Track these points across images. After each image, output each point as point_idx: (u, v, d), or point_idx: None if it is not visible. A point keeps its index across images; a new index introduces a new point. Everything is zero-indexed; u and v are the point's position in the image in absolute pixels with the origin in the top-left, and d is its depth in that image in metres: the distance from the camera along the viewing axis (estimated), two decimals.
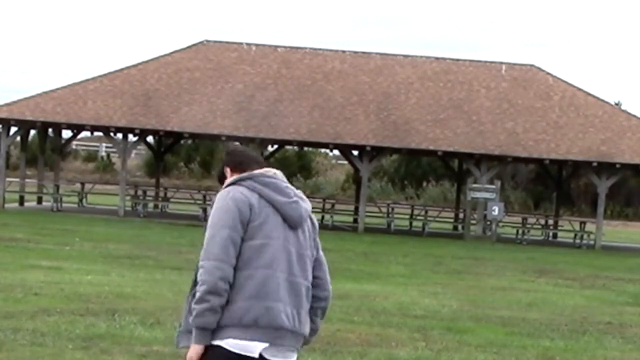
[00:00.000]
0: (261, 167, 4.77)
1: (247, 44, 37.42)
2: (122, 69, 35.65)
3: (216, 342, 4.55)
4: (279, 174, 4.79)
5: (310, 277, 4.72)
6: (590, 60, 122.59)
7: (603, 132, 34.10)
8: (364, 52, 37.56)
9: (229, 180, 4.73)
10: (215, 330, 4.54)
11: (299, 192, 4.82)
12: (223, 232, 4.59)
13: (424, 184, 56.20)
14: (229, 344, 4.53)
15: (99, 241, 22.81)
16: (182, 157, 59.40)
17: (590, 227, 34.74)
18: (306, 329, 4.69)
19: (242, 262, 4.60)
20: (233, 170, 4.79)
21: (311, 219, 4.84)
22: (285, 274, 4.61)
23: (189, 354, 4.59)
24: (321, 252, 4.84)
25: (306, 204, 4.80)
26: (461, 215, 37.82)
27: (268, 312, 4.53)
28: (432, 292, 17.10)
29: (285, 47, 37.53)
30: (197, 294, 4.59)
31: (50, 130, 37.34)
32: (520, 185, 55.40)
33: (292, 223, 4.68)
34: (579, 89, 36.36)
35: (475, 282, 19.47)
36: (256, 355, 4.53)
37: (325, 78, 35.81)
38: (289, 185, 4.77)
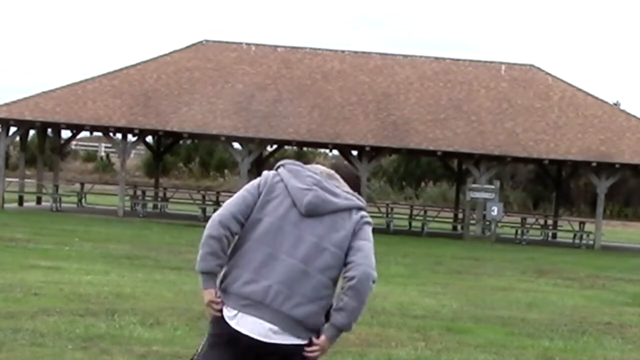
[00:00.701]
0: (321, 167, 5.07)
1: (247, 44, 37.42)
2: (121, 69, 35.64)
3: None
4: (321, 168, 5.00)
5: (320, 266, 4.75)
6: (590, 60, 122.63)
7: (602, 132, 34.11)
8: (363, 52, 37.57)
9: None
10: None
11: (337, 189, 4.91)
12: (238, 193, 4.95)
13: (423, 184, 56.20)
14: (224, 307, 4.86)
15: (98, 241, 22.80)
16: (181, 157, 59.37)
17: (589, 227, 34.74)
18: (295, 311, 4.70)
19: (242, 232, 4.87)
20: None
21: (351, 216, 4.86)
22: (274, 251, 4.75)
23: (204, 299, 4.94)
24: (361, 242, 4.83)
25: (334, 198, 4.86)
26: (460, 216, 37.82)
27: (237, 280, 4.77)
28: (432, 292, 17.10)
29: (285, 47, 37.53)
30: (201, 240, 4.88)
31: (49, 130, 37.32)
32: (520, 185, 55.40)
33: (300, 208, 4.79)
34: (579, 89, 36.37)
35: (475, 282, 19.47)
36: (229, 322, 4.79)
37: (325, 78, 35.81)
38: (314, 175, 4.91)
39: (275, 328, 4.74)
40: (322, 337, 4.84)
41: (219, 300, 4.92)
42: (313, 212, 4.81)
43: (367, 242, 4.85)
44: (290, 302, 4.73)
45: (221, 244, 4.91)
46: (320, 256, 4.76)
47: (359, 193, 5.15)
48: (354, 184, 5.15)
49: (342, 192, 4.93)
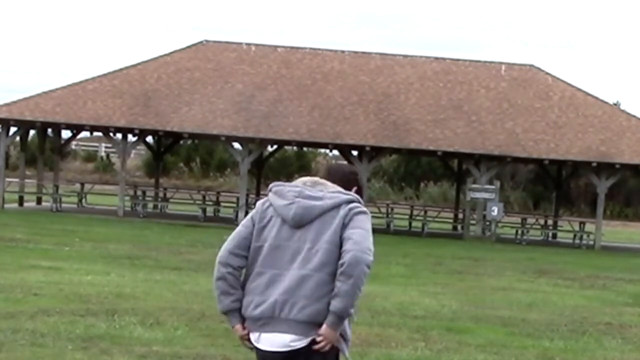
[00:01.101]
0: (330, 180, 5.30)
1: (247, 44, 37.42)
2: (121, 69, 35.64)
3: None
4: (306, 180, 5.27)
5: (318, 265, 4.99)
6: (590, 60, 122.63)
7: (602, 132, 34.11)
8: (363, 52, 37.56)
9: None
10: None
11: (317, 192, 5.15)
12: (235, 230, 5.24)
13: (424, 184, 56.19)
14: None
15: (98, 241, 22.80)
16: (181, 157, 59.38)
17: (589, 227, 34.73)
18: (301, 314, 4.98)
19: (249, 263, 5.16)
20: None
21: (339, 212, 5.06)
22: (276, 270, 5.06)
23: None
24: (350, 231, 5.01)
25: (317, 202, 5.09)
26: (460, 216, 37.82)
27: (250, 305, 5.09)
28: (432, 292, 17.10)
29: (285, 47, 37.53)
30: None
31: (49, 130, 37.33)
32: (520, 185, 55.39)
33: (290, 223, 5.09)
34: (579, 89, 36.37)
35: (475, 282, 19.47)
36: (256, 345, 5.10)
37: (325, 78, 35.81)
38: (295, 188, 5.18)
39: (293, 336, 5.02)
40: (323, 327, 5.01)
41: (245, 332, 5.20)
42: (300, 222, 5.07)
43: (357, 230, 5.01)
44: (296, 308, 4.99)
45: (227, 282, 5.17)
46: (314, 257, 5.00)
47: (359, 187, 5.30)
48: (349, 180, 5.36)
49: (327, 194, 5.13)
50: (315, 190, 5.16)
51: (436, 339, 11.95)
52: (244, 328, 5.17)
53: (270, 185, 5.30)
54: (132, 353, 9.97)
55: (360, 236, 4.98)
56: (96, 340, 10.50)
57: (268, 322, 5.04)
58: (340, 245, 4.99)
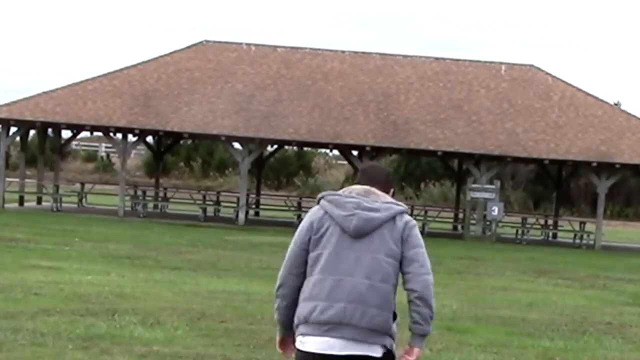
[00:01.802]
0: (369, 181, 5.49)
1: (247, 44, 37.42)
2: (121, 69, 35.64)
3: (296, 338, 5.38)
4: (357, 189, 5.44)
5: (381, 277, 5.26)
6: (590, 60, 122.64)
7: (603, 132, 34.10)
8: (363, 52, 37.56)
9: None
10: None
11: (375, 203, 5.35)
12: (290, 248, 5.46)
13: (424, 184, 56.19)
14: (297, 340, 5.34)
15: (98, 241, 22.81)
16: (181, 157, 59.37)
17: (590, 227, 34.73)
18: (372, 322, 5.22)
19: (307, 270, 5.37)
20: (357, 184, 5.55)
21: (395, 224, 5.32)
22: (339, 276, 5.26)
23: None
24: (412, 251, 5.31)
25: (375, 214, 5.31)
26: (461, 215, 37.82)
27: (315, 310, 5.24)
28: (432, 291, 17.07)
29: (285, 47, 37.53)
30: None
31: (49, 130, 37.33)
32: (520, 185, 55.39)
33: (352, 234, 5.29)
34: (579, 89, 36.36)
35: (475, 282, 19.47)
36: (311, 349, 5.25)
37: (325, 78, 35.80)
38: (352, 199, 5.37)
39: (357, 342, 5.23)
40: (416, 350, 5.38)
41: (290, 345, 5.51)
42: (361, 233, 5.28)
43: (419, 249, 5.35)
44: (367, 316, 5.21)
45: (279, 301, 5.50)
46: (379, 269, 5.26)
47: (391, 186, 5.53)
48: (387, 183, 5.60)
49: (382, 205, 5.35)
50: (370, 200, 5.36)
51: (436, 339, 11.95)
52: (292, 341, 5.42)
53: (322, 194, 5.50)
54: (132, 353, 9.97)
55: (423, 257, 5.33)
56: (96, 340, 10.50)
57: (336, 327, 5.22)
58: (400, 260, 5.31)
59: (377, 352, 5.26)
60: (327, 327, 5.21)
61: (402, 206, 5.38)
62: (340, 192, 5.48)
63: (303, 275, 5.37)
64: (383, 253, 5.27)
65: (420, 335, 5.37)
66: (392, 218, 5.32)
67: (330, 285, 5.25)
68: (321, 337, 5.23)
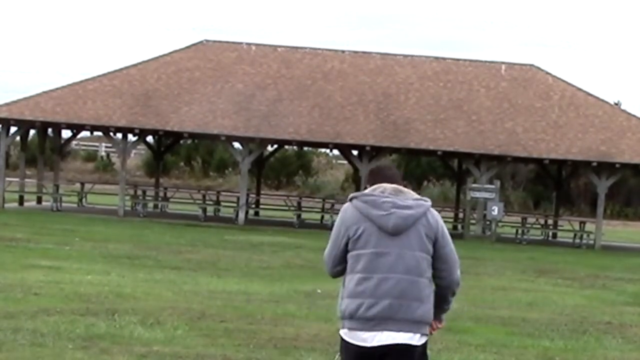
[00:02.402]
0: (388, 182, 5.86)
1: (247, 44, 37.41)
2: (121, 69, 35.63)
3: (340, 331, 5.84)
4: (387, 188, 5.81)
5: (419, 271, 5.71)
6: (590, 60, 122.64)
7: (603, 132, 34.10)
8: (363, 52, 37.55)
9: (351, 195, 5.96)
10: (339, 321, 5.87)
11: (407, 201, 5.75)
12: (329, 246, 5.89)
13: (424, 183, 56.19)
14: (343, 332, 5.78)
15: (98, 241, 22.81)
16: (181, 157, 59.37)
17: (590, 227, 34.73)
18: (414, 314, 5.68)
19: (348, 268, 5.79)
20: (370, 186, 5.92)
21: (429, 221, 5.75)
22: (382, 274, 5.67)
23: None
24: (445, 249, 5.80)
25: (410, 211, 5.71)
26: (461, 215, 37.81)
27: (361, 307, 5.66)
28: None
29: (285, 47, 37.53)
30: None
31: (49, 130, 37.32)
32: (520, 185, 55.39)
33: (391, 232, 5.67)
34: (579, 89, 36.36)
35: (475, 282, 19.46)
36: (358, 342, 5.69)
37: (325, 78, 35.80)
38: (388, 199, 5.74)
39: (409, 333, 5.69)
40: (443, 322, 6.06)
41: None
42: (399, 230, 5.69)
43: (450, 247, 5.84)
44: (410, 310, 5.67)
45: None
46: (417, 264, 5.71)
47: (405, 182, 5.92)
48: (402, 179, 6.03)
49: (413, 202, 5.77)
50: (403, 198, 5.77)
51: (436, 339, 11.94)
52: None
53: (355, 194, 5.87)
54: (132, 353, 9.98)
55: (455, 255, 5.88)
56: (96, 340, 10.50)
57: (382, 322, 5.65)
58: (433, 255, 5.78)
59: (419, 340, 5.73)
60: (374, 322, 5.65)
61: (428, 201, 5.82)
62: (375, 192, 5.80)
63: (344, 270, 5.83)
64: (419, 249, 5.70)
65: (446, 311, 6.03)
66: (424, 214, 5.74)
67: (375, 283, 5.66)
68: (368, 332, 5.65)
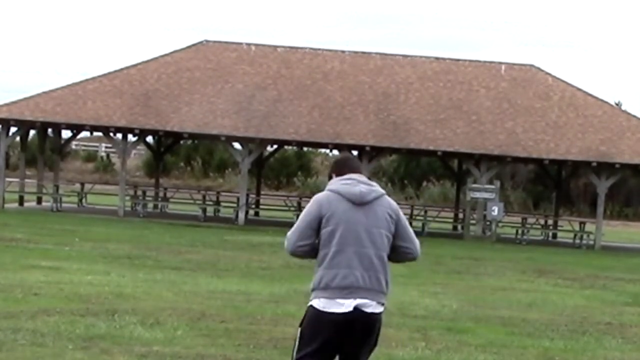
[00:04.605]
0: (353, 172, 6.57)
1: (247, 44, 37.41)
2: (121, 69, 35.63)
3: (310, 303, 6.41)
4: (353, 176, 6.54)
5: (384, 247, 6.43)
6: (590, 60, 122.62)
7: (602, 132, 34.10)
8: (363, 52, 37.55)
9: (329, 183, 6.62)
10: (311, 292, 6.43)
11: (370, 183, 6.53)
12: (296, 225, 6.54)
13: (424, 184, 56.19)
14: (316, 302, 6.36)
15: (98, 241, 22.80)
16: (181, 157, 59.36)
17: (589, 227, 34.73)
18: (381, 285, 6.39)
19: (321, 244, 6.40)
20: (336, 175, 6.62)
21: (390, 204, 6.52)
22: (354, 247, 6.34)
23: None
24: (407, 230, 6.59)
25: (373, 187, 6.49)
26: (461, 215, 37.81)
27: (336, 277, 6.31)
28: (432, 292, 17.11)
29: (285, 47, 37.53)
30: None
31: (49, 130, 37.32)
32: (520, 185, 55.38)
33: (355, 200, 6.39)
34: (579, 89, 36.35)
35: (475, 282, 19.47)
36: (332, 309, 6.29)
37: (325, 78, 35.80)
38: (355, 178, 6.51)
39: (373, 302, 6.37)
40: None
41: None
42: (364, 199, 6.41)
43: (410, 229, 6.66)
44: (378, 281, 6.38)
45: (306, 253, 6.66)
46: (382, 241, 6.43)
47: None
48: (361, 168, 6.77)
49: (373, 183, 6.59)
50: (365, 181, 6.54)
51: (436, 339, 11.96)
52: None
53: (332, 182, 6.58)
54: (132, 353, 9.98)
55: (412, 233, 6.69)
56: (96, 340, 10.50)
57: (354, 291, 6.30)
58: (397, 234, 6.51)
59: (380, 309, 6.43)
60: (348, 290, 6.30)
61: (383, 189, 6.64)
62: (341, 179, 6.54)
63: (306, 249, 6.45)
64: (384, 227, 6.43)
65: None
66: (382, 195, 6.52)
67: (349, 256, 6.33)
68: (343, 300, 6.29)
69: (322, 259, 6.38)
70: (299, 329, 6.50)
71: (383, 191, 6.55)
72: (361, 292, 6.33)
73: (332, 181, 6.59)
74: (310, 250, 6.45)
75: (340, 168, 6.64)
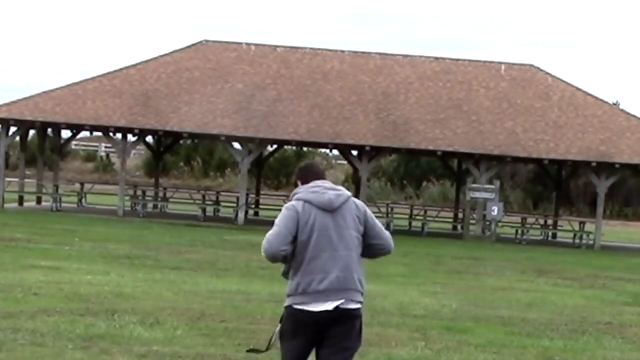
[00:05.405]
0: (318, 179, 6.89)
1: (247, 44, 37.41)
2: (121, 69, 35.63)
3: (288, 304, 6.69)
4: (318, 183, 6.84)
5: (355, 248, 6.73)
6: (590, 60, 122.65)
7: (602, 132, 34.10)
8: (363, 52, 37.55)
9: (295, 191, 6.94)
10: (287, 298, 6.71)
11: (337, 188, 6.83)
12: (277, 229, 6.71)
13: (424, 184, 56.18)
14: (296, 304, 6.63)
15: (98, 241, 22.80)
16: (181, 157, 59.35)
17: (589, 227, 34.72)
18: (356, 284, 6.69)
19: (296, 252, 6.65)
20: (302, 182, 6.94)
21: (357, 206, 6.80)
22: (328, 252, 6.62)
23: None
24: (376, 228, 6.83)
25: (340, 192, 6.79)
26: (461, 216, 37.81)
27: (313, 282, 6.58)
28: (432, 292, 17.10)
29: (285, 47, 37.52)
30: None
31: (49, 130, 37.32)
32: (520, 185, 55.38)
33: (326, 208, 6.69)
34: (579, 89, 36.35)
35: (475, 282, 19.47)
36: (308, 309, 6.56)
37: (325, 78, 35.80)
38: (321, 185, 6.82)
39: (350, 301, 6.65)
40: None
41: None
42: (334, 205, 6.71)
43: (379, 226, 6.88)
44: (354, 280, 6.68)
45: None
46: (354, 242, 6.73)
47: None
48: (325, 175, 7.08)
49: (340, 189, 6.86)
50: (332, 187, 6.85)
51: (436, 339, 11.96)
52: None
53: (294, 193, 6.91)
54: (132, 353, 9.98)
55: (385, 230, 6.92)
56: (96, 340, 10.51)
57: (332, 293, 6.58)
58: (367, 234, 6.78)
59: (358, 305, 6.72)
60: (325, 294, 6.58)
61: (349, 191, 6.95)
62: (311, 187, 6.85)
63: (287, 252, 6.65)
64: (353, 229, 6.73)
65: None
66: (349, 198, 6.82)
67: (323, 261, 6.61)
68: (320, 303, 6.57)
69: (298, 266, 6.65)
70: (279, 326, 6.77)
71: (349, 194, 6.85)
72: (339, 293, 6.62)
73: (299, 189, 6.87)
74: (287, 256, 6.67)
75: (305, 175, 6.96)
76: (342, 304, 6.63)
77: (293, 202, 6.82)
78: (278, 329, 6.79)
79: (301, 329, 6.65)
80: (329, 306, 6.60)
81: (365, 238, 6.81)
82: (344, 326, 6.68)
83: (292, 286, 6.69)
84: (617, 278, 22.16)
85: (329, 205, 6.69)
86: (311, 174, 6.96)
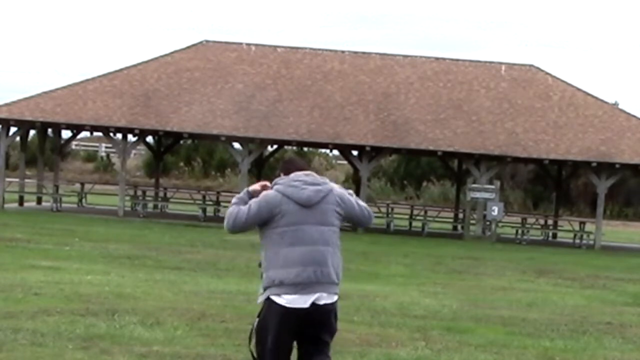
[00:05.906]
0: (300, 170, 7.02)
1: (247, 44, 37.41)
2: (122, 69, 35.63)
3: (266, 296, 6.96)
4: (299, 174, 6.97)
5: (333, 242, 6.91)
6: (590, 60, 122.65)
7: (602, 132, 34.10)
8: (363, 52, 37.55)
9: (275, 180, 7.05)
10: (264, 291, 6.99)
11: (316, 180, 6.94)
12: (253, 210, 6.96)
13: (424, 184, 56.17)
14: (273, 297, 6.86)
15: (98, 241, 22.80)
16: (181, 157, 59.34)
17: (589, 227, 34.73)
18: (333, 278, 6.87)
19: (271, 243, 6.95)
20: (284, 174, 7.07)
21: (338, 199, 6.94)
22: (305, 246, 6.80)
23: None
24: (356, 209, 7.02)
25: (319, 187, 6.90)
26: (461, 216, 37.81)
27: (290, 275, 6.79)
28: (432, 292, 17.10)
29: (285, 47, 37.53)
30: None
31: (49, 130, 37.32)
32: (520, 185, 55.37)
33: (304, 204, 6.84)
34: (579, 89, 36.36)
35: (475, 282, 19.47)
36: (286, 304, 6.78)
37: (325, 78, 35.80)
38: (301, 178, 6.92)
39: (326, 294, 6.86)
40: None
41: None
42: (312, 202, 6.86)
43: (359, 206, 7.05)
44: (330, 274, 6.87)
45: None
46: (332, 237, 6.93)
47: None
48: (308, 167, 7.23)
49: (321, 182, 6.99)
50: (312, 180, 6.95)
51: (436, 339, 11.96)
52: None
53: (275, 181, 7.00)
54: (132, 353, 9.98)
55: (365, 207, 7.10)
56: (96, 340, 10.51)
57: (308, 285, 6.78)
58: (350, 218, 7.04)
59: (334, 298, 6.93)
60: (301, 286, 6.78)
61: (330, 183, 7.06)
62: (292, 179, 6.96)
63: (247, 230, 7.02)
64: (331, 224, 6.92)
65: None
66: (331, 191, 6.95)
67: (301, 254, 6.80)
68: (297, 295, 6.77)
69: (275, 259, 6.89)
70: (257, 320, 7.01)
71: (330, 187, 6.98)
72: (315, 286, 6.81)
73: (280, 179, 7.01)
74: (244, 231, 7.08)
75: (287, 168, 7.13)
76: (318, 298, 6.81)
77: (271, 192, 6.96)
78: (256, 323, 6.99)
79: (281, 321, 6.82)
80: (306, 300, 6.78)
81: (350, 218, 7.06)
82: (321, 319, 6.88)
83: (268, 278, 6.93)
84: (617, 278, 22.16)
85: (306, 202, 6.85)
86: (292, 166, 7.13)
